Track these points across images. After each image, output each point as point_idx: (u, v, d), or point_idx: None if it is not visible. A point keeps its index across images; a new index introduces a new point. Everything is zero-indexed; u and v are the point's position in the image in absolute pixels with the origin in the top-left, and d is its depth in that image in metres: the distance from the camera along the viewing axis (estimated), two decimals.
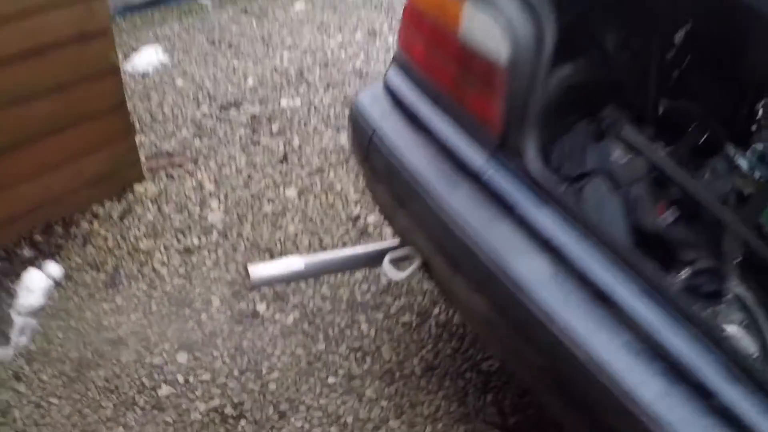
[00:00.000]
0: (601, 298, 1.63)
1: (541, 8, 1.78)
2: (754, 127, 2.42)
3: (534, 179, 1.82)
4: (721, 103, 2.57)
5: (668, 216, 2.19)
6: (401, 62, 2.27)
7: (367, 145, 2.21)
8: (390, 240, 2.59)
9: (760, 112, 2.36)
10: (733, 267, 2.01)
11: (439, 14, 2.01)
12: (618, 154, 2.26)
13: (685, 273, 1.93)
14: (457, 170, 1.97)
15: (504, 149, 1.88)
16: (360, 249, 2.59)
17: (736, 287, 1.96)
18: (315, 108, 4.46)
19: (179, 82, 4.66)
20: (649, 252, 2.03)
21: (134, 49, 5.02)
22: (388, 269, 2.28)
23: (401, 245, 2.37)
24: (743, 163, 2.54)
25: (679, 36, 2.80)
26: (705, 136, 2.55)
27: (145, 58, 4.89)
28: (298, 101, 4.52)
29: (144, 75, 4.72)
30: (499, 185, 1.86)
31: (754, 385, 1.47)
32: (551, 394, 1.87)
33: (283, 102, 4.50)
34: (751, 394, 1.46)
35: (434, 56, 2.08)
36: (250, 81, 4.73)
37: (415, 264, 2.24)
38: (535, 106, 1.82)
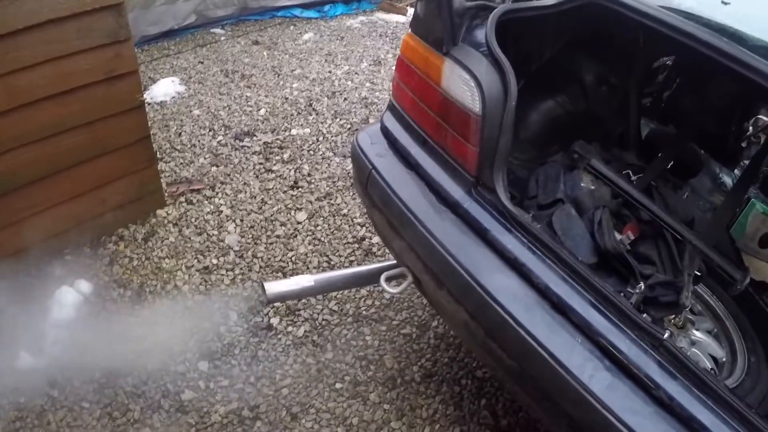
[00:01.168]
0: (557, 307, 1.85)
1: (506, 66, 2.00)
2: (744, 144, 2.59)
3: (502, 210, 2.03)
4: (704, 125, 2.72)
5: (630, 235, 2.35)
6: (394, 109, 2.47)
7: (366, 181, 2.41)
8: (389, 260, 2.76)
9: (751, 129, 2.52)
10: (689, 280, 2.16)
11: (424, 68, 2.22)
12: (586, 183, 2.45)
13: (639, 287, 2.09)
14: (440, 202, 2.18)
15: (478, 185, 2.10)
16: (364, 268, 2.78)
17: (687, 299, 2.10)
18: (323, 136, 4.64)
19: (196, 111, 4.85)
20: (611, 268, 2.24)
21: (152, 80, 5.23)
22: (384, 285, 2.42)
23: (397, 265, 2.52)
24: (728, 180, 2.73)
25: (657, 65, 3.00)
26: (672, 161, 2.72)
27: (163, 89, 5.11)
28: (307, 130, 4.71)
29: (162, 104, 4.92)
30: (475, 215, 2.07)
31: (687, 379, 1.70)
32: (518, 385, 2.05)
33: (294, 131, 4.69)
34: (686, 388, 1.68)
35: (420, 104, 2.28)
36: (263, 111, 4.91)
37: (407, 281, 2.40)
38: (504, 150, 2.02)
